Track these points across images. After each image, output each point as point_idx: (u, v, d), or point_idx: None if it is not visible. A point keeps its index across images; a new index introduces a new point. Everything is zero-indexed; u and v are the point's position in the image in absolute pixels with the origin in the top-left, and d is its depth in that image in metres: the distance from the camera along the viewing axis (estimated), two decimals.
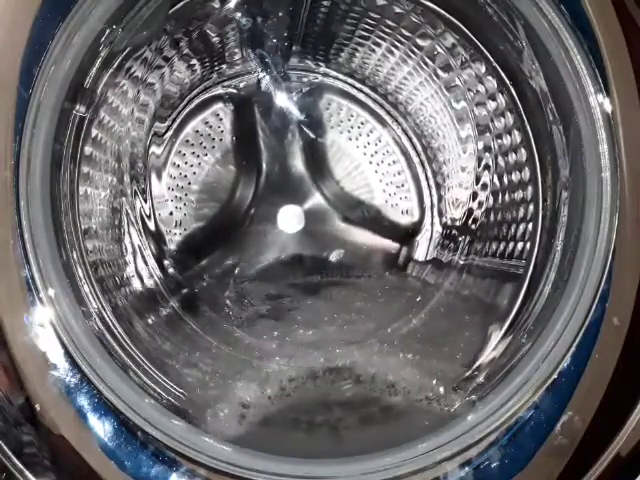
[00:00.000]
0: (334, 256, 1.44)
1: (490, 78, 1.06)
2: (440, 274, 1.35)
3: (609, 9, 0.83)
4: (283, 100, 1.37)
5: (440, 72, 1.21)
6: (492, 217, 1.20)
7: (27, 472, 0.74)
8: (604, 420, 0.81)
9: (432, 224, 1.46)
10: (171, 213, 1.38)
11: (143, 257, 1.21)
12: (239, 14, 1.17)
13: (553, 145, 0.90)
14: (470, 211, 1.28)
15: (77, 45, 0.77)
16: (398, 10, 1.13)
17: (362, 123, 1.48)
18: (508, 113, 1.06)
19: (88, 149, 0.91)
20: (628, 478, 0.82)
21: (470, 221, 1.28)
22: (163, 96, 1.26)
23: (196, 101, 1.38)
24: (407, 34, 1.18)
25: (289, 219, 1.43)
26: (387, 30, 1.21)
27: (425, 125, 1.41)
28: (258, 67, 1.35)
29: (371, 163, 1.48)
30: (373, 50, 1.31)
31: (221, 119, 1.42)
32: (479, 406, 0.82)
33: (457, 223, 1.35)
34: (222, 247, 1.41)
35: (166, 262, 1.30)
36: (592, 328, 0.82)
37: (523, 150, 1.03)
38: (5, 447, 0.73)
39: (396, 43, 1.23)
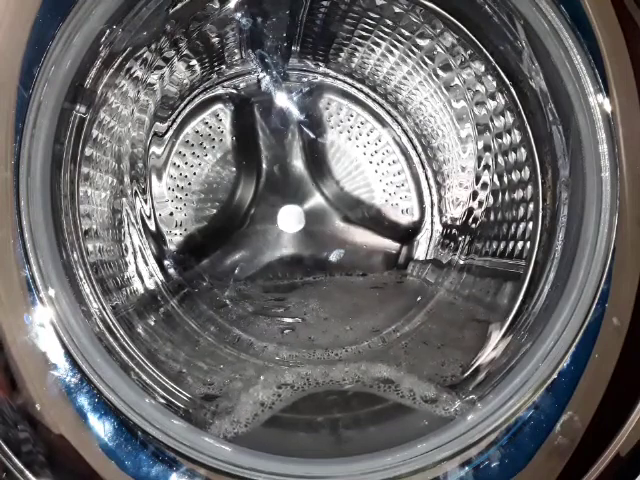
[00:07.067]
0: (334, 256, 1.44)
1: (490, 78, 1.06)
2: (440, 273, 1.35)
3: (609, 9, 0.82)
4: (283, 100, 1.37)
5: (440, 71, 1.21)
6: (492, 216, 1.20)
7: (27, 472, 0.74)
8: (604, 420, 0.81)
9: (432, 223, 1.46)
10: (171, 213, 1.38)
11: (143, 257, 1.21)
12: (239, 14, 1.17)
13: (553, 145, 0.90)
14: (470, 210, 1.28)
15: (77, 45, 0.77)
16: (397, 10, 1.13)
17: (362, 123, 1.48)
18: (508, 112, 1.05)
19: (88, 150, 0.91)
20: (628, 478, 0.82)
21: (470, 220, 1.28)
22: (163, 96, 1.26)
23: (196, 101, 1.38)
24: (407, 34, 1.18)
25: (289, 219, 1.43)
26: (386, 30, 1.21)
27: (425, 125, 1.41)
28: (258, 67, 1.35)
29: (371, 163, 1.48)
30: (373, 50, 1.31)
31: (221, 119, 1.42)
32: (479, 406, 0.82)
33: (457, 222, 1.35)
34: (222, 247, 1.42)
35: (166, 262, 1.30)
36: (592, 328, 0.82)
37: (523, 150, 1.03)
38: (5, 447, 0.73)
39: (395, 43, 1.23)
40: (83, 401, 0.75)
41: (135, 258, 1.16)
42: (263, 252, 1.43)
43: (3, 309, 0.73)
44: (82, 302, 0.79)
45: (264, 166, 1.44)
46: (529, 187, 1.02)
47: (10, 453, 0.73)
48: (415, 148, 1.48)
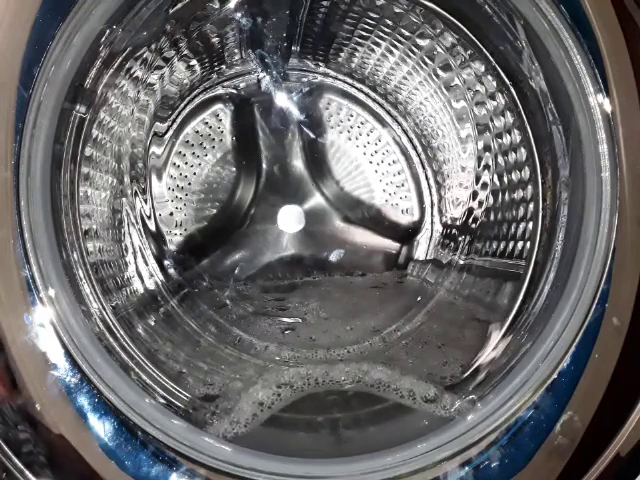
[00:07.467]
0: (334, 256, 1.44)
1: (490, 78, 1.06)
2: (440, 273, 1.35)
3: (609, 9, 0.82)
4: (283, 100, 1.37)
5: (440, 72, 1.21)
6: (492, 216, 1.20)
7: (27, 472, 0.74)
8: (604, 420, 0.81)
9: (432, 223, 1.46)
10: (171, 213, 1.38)
11: (143, 257, 1.21)
12: (239, 14, 1.17)
13: (553, 145, 0.90)
14: (470, 210, 1.28)
15: (77, 45, 0.77)
16: (397, 10, 1.13)
17: (362, 123, 1.48)
18: (508, 112, 1.05)
19: (88, 149, 0.91)
20: (628, 478, 0.82)
21: (470, 220, 1.28)
22: (163, 96, 1.26)
23: (196, 101, 1.38)
24: (406, 34, 1.18)
25: (289, 219, 1.43)
26: (386, 30, 1.21)
27: (425, 125, 1.41)
28: (258, 67, 1.35)
29: (371, 163, 1.48)
30: (373, 50, 1.31)
31: (221, 119, 1.42)
32: (479, 406, 0.82)
33: (457, 222, 1.35)
34: (222, 247, 1.42)
35: (166, 262, 1.30)
36: (592, 328, 0.82)
37: (523, 150, 1.03)
38: (5, 447, 0.73)
39: (395, 43, 1.23)
40: (83, 401, 0.75)
41: (135, 258, 1.16)
42: (263, 252, 1.43)
43: (3, 309, 0.73)
44: (82, 302, 0.79)
45: (264, 166, 1.44)
46: (529, 187, 1.02)
47: (10, 453, 0.73)
48: (415, 148, 1.48)
